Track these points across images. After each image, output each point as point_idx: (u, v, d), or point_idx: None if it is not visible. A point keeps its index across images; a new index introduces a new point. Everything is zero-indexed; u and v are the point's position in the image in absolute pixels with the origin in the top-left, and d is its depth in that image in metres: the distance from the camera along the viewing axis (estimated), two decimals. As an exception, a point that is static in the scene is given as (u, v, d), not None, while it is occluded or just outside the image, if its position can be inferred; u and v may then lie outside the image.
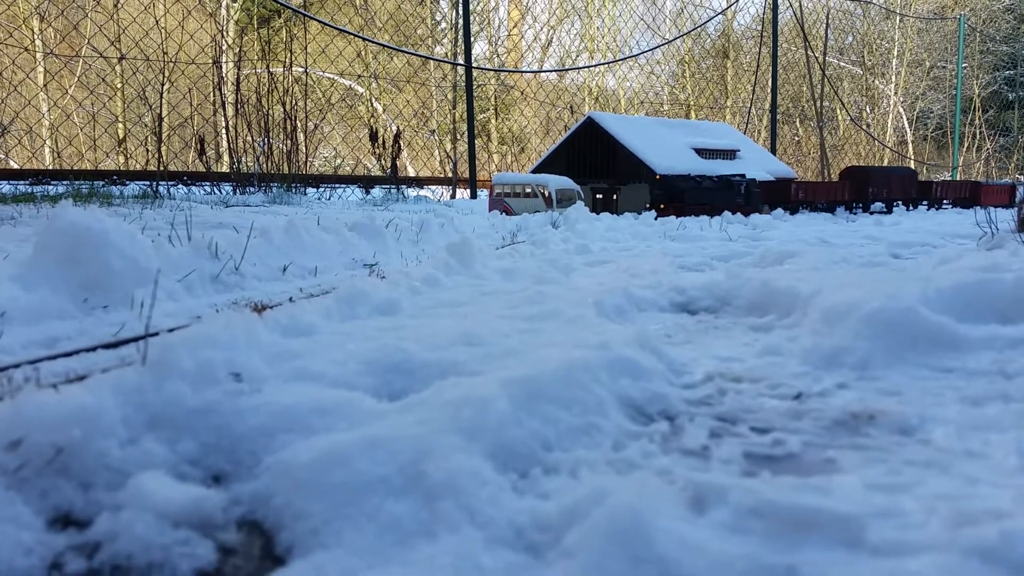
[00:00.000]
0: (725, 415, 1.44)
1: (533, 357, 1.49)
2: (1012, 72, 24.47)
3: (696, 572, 0.82)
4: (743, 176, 8.15)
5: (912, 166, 20.26)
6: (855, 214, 8.93)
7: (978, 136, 22.06)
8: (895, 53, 21.22)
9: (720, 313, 2.50)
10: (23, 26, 11.90)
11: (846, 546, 0.88)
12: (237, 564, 0.94)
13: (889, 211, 9.73)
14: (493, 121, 17.04)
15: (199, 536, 0.97)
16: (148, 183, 7.68)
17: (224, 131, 8.98)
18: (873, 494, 1.02)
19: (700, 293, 2.63)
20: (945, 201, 10.95)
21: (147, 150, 10.40)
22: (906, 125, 21.53)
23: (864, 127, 19.56)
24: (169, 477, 1.07)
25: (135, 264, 2.28)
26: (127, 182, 8.10)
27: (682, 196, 7.73)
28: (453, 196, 10.56)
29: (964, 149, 21.18)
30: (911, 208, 10.21)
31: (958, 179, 17.39)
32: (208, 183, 8.53)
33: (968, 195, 11.31)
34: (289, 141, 8.93)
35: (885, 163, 20.30)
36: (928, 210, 10.23)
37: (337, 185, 9.95)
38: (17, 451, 1.05)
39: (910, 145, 21.52)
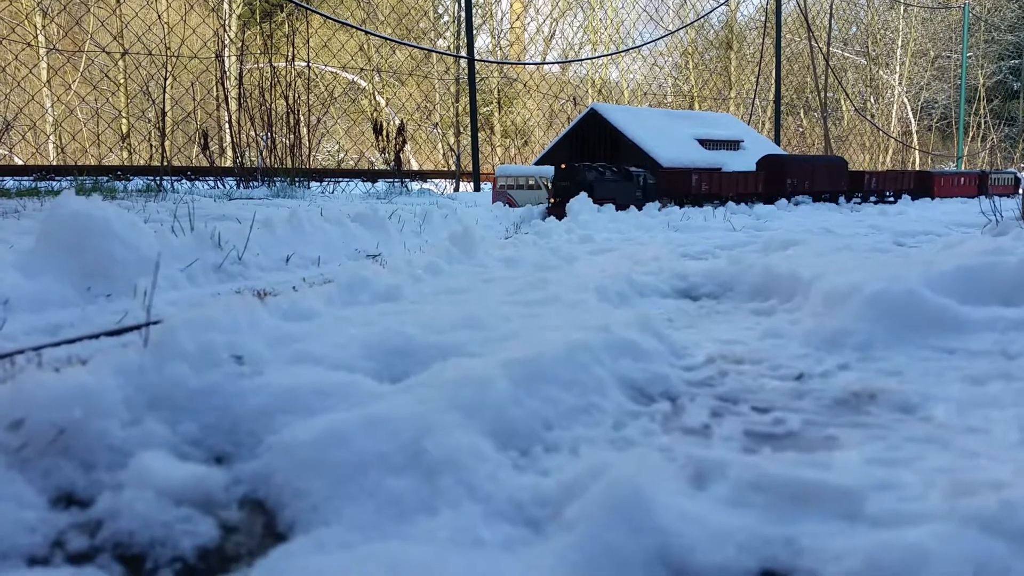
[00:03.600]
0: (726, 395, 1.44)
1: (534, 339, 1.49)
2: (1017, 61, 24.35)
3: (696, 543, 0.82)
4: (641, 168, 7.19)
5: (916, 156, 20.18)
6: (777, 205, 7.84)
7: (983, 126, 21.98)
8: (899, 43, 21.13)
9: (722, 298, 2.50)
10: (26, 22, 11.91)
11: (845, 518, 0.88)
12: (239, 541, 0.94)
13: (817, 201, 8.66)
14: (496, 114, 17.02)
15: (201, 514, 0.98)
16: (152, 178, 7.69)
17: (227, 125, 8.98)
18: (873, 468, 1.02)
19: (702, 279, 2.63)
20: (887, 194, 9.70)
21: (151, 145, 10.42)
22: (910, 115, 21.45)
23: (868, 118, 19.50)
24: (171, 457, 1.08)
25: (137, 253, 2.29)
26: (131, 177, 8.11)
27: (591, 188, 6.59)
28: (456, 189, 10.55)
29: (969, 139, 21.10)
30: (844, 201, 9.01)
31: (902, 168, 15.17)
32: (212, 177, 8.53)
33: (915, 186, 10.07)
34: (292, 135, 8.93)
35: (889, 154, 20.23)
36: (862, 204, 8.93)
37: (341, 179, 9.94)
38: (19, 431, 1.05)
39: (915, 135, 21.45)
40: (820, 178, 8.75)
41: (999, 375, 1.44)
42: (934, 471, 1.00)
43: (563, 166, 6.66)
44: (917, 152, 20.38)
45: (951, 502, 0.87)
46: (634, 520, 0.83)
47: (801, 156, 9.08)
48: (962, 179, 10.89)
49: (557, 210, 6.52)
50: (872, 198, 9.41)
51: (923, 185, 10.12)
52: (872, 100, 21.10)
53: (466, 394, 1.17)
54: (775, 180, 8.24)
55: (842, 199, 8.96)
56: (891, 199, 9.63)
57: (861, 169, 10.24)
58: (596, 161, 8.14)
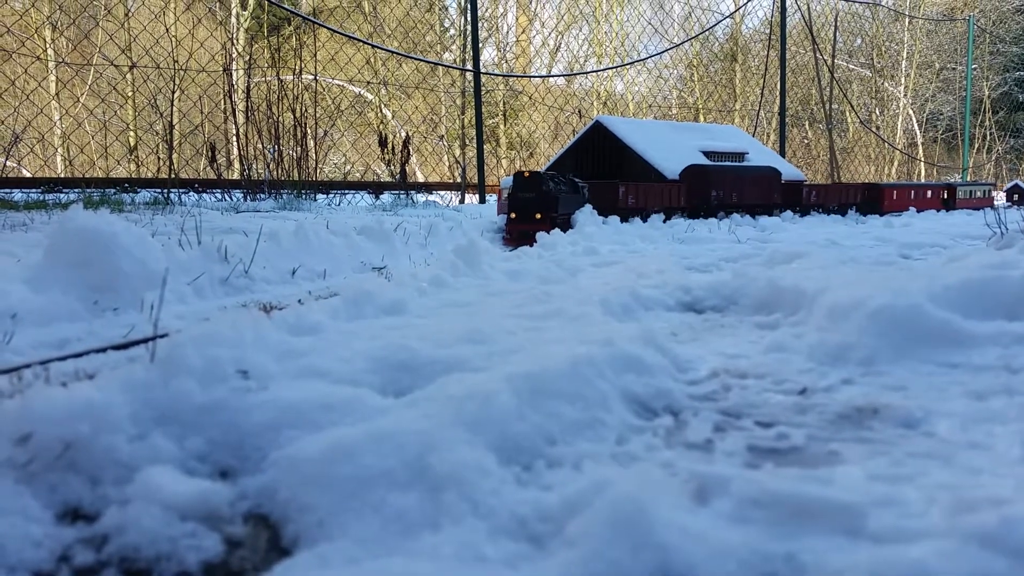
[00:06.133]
0: (729, 410, 1.44)
1: (537, 353, 1.50)
2: (1022, 73, 24.34)
3: (696, 560, 0.82)
4: (583, 181, 6.36)
5: (921, 168, 20.16)
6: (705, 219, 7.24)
7: (988, 138, 21.96)
8: (904, 55, 21.15)
9: (727, 312, 2.50)
10: (35, 36, 12.00)
11: (846, 534, 0.89)
12: (243, 556, 0.95)
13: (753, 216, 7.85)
14: (502, 126, 17.07)
15: (206, 529, 0.98)
16: (159, 190, 7.73)
17: (235, 138, 9.03)
18: (875, 484, 1.03)
19: (707, 293, 2.63)
20: (832, 208, 8.94)
21: (158, 158, 10.46)
22: (916, 127, 21.44)
23: (874, 129, 19.50)
24: (177, 472, 1.09)
25: (144, 267, 2.30)
26: (138, 189, 8.14)
27: (557, 202, 5.54)
28: (462, 201, 10.57)
29: (975, 151, 21.08)
30: (774, 215, 8.17)
31: (849, 180, 13.24)
32: (219, 190, 8.56)
33: (861, 199, 9.23)
34: (299, 148, 8.96)
35: (895, 166, 20.22)
36: (798, 216, 8.19)
37: (347, 191, 9.97)
38: (26, 446, 1.06)
39: (920, 147, 21.44)
40: (749, 190, 8.08)
41: (1002, 390, 1.45)
42: (936, 487, 1.00)
43: (526, 174, 5.53)
44: (923, 164, 20.36)
45: (952, 519, 0.87)
46: (636, 537, 0.84)
47: (728, 166, 8.17)
48: (925, 192, 9.99)
49: (519, 227, 5.39)
50: (816, 211, 8.74)
51: (872, 198, 9.30)
52: (877, 112, 21.10)
53: (470, 409, 1.17)
54: (699, 192, 7.58)
55: (735, 215, 8.06)
56: (836, 213, 8.93)
57: (805, 182, 8.88)
58: (601, 173, 8.11)
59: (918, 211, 9.44)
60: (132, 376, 1.24)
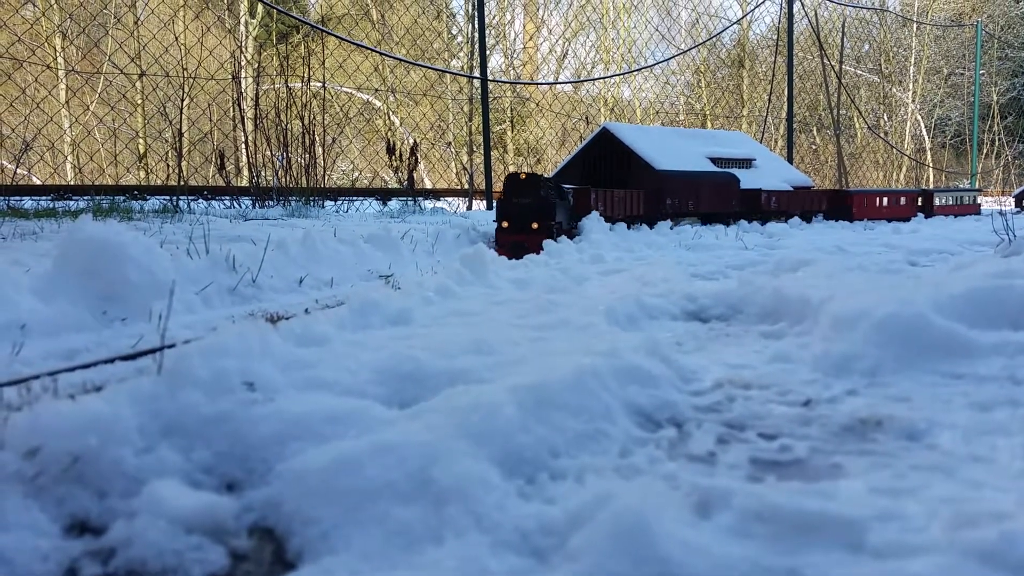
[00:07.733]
0: (733, 422, 1.44)
1: (542, 364, 1.50)
2: (1031, 78, 24.26)
3: (698, 574, 0.83)
4: (568, 186, 6.06)
5: (930, 173, 20.09)
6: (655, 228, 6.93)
7: (997, 143, 21.88)
8: (912, 61, 21.11)
9: (732, 321, 2.50)
10: (45, 44, 12.08)
11: (848, 548, 0.89)
12: (248, 569, 0.96)
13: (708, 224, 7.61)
14: (509, 133, 17.09)
15: (211, 542, 0.99)
16: (168, 198, 7.76)
17: (243, 146, 9.06)
18: (877, 498, 1.03)
19: (712, 301, 2.64)
20: (795, 216, 8.57)
21: (167, 165, 10.50)
22: (924, 133, 21.39)
23: (882, 135, 19.45)
24: (183, 484, 1.10)
25: (153, 277, 2.31)
26: (147, 197, 8.18)
27: (553, 209, 5.08)
28: (469, 207, 10.59)
29: (983, 156, 21.01)
30: (731, 224, 7.85)
31: (817, 187, 12.97)
32: (228, 197, 8.59)
33: (828, 206, 8.98)
34: (307, 155, 8.99)
35: (903, 171, 20.16)
36: (764, 224, 7.75)
37: (355, 198, 10.00)
38: (34, 459, 1.07)
39: (928, 153, 21.38)
40: (706, 197, 7.81)
41: (1007, 401, 1.44)
42: (938, 501, 1.00)
43: (522, 176, 4.99)
44: (931, 169, 20.30)
45: (953, 533, 0.87)
46: (638, 550, 0.84)
47: (683, 172, 7.82)
48: (898, 198, 9.65)
49: (513, 238, 4.94)
50: (779, 219, 8.36)
51: (839, 206, 9.04)
52: (885, 117, 21.05)
53: (474, 421, 1.18)
54: (653, 200, 7.35)
55: (743, 222, 7.89)
56: (800, 220, 8.62)
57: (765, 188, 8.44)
58: (608, 179, 8.10)
59: (891, 220, 9.14)
60: (139, 388, 1.25)
